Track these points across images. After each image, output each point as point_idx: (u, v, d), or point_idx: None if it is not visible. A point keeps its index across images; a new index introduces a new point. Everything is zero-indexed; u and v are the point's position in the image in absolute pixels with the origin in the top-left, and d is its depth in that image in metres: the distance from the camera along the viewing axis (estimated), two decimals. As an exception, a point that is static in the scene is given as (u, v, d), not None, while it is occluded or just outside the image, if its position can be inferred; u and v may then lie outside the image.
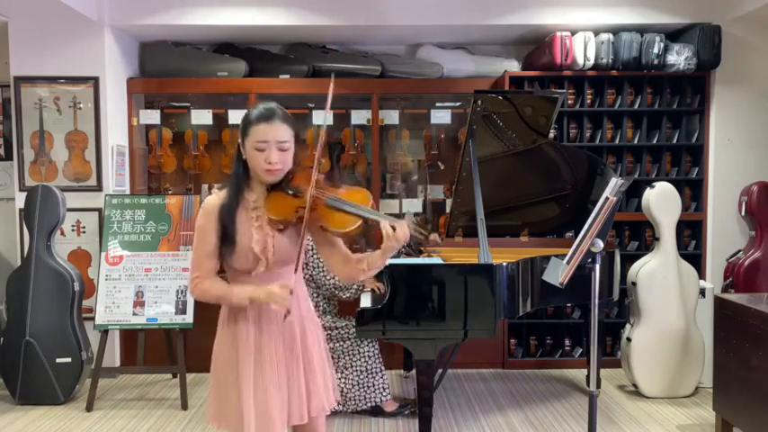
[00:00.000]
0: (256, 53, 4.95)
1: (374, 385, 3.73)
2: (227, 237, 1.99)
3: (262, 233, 2.02)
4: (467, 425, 3.68)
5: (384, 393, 3.75)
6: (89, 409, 3.94)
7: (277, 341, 2.07)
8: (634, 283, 4.08)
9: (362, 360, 3.73)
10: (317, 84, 4.80)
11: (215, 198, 2.03)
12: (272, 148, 1.97)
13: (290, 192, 2.04)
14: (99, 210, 4.48)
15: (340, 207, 2.01)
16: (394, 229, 1.95)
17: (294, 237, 2.07)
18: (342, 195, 2.05)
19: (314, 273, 3.70)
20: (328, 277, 3.69)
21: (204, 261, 2.02)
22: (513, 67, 4.91)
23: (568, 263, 2.42)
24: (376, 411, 3.78)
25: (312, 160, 5.10)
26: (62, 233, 4.46)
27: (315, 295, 3.76)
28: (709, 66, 4.55)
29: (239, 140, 2.03)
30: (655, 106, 4.71)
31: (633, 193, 4.72)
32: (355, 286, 3.73)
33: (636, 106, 4.71)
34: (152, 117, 4.91)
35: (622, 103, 4.69)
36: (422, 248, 4.02)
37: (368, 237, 4.85)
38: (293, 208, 2.02)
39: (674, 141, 4.73)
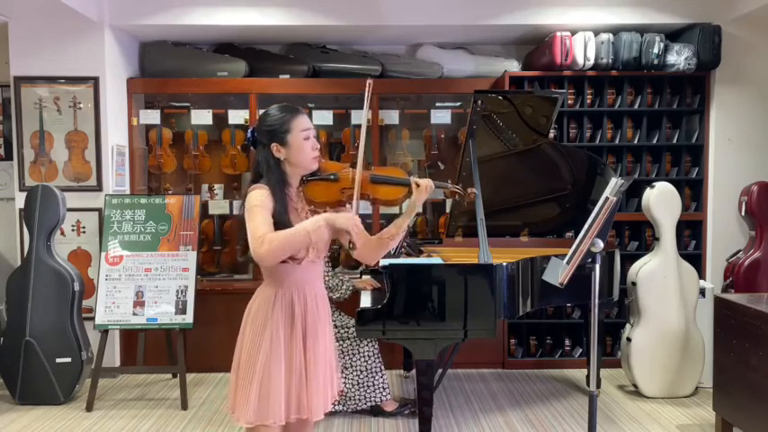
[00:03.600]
0: (256, 53, 4.95)
1: (374, 385, 3.73)
2: (284, 228, 2.04)
3: None
4: (467, 425, 3.68)
5: (384, 393, 3.75)
6: (89, 409, 3.94)
7: (320, 332, 2.18)
8: (634, 283, 4.08)
9: (362, 360, 3.73)
10: (317, 84, 4.80)
11: (264, 189, 2.07)
12: (312, 133, 2.15)
13: (330, 177, 2.20)
14: (99, 210, 4.48)
15: (384, 180, 2.24)
16: (420, 183, 2.20)
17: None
18: (380, 171, 2.26)
19: None
20: None
21: (268, 224, 1.99)
22: (513, 67, 4.91)
23: (568, 263, 2.42)
24: (376, 411, 3.78)
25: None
26: (62, 233, 4.46)
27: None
28: (710, 66, 4.55)
29: (273, 143, 2.10)
30: (655, 106, 4.71)
31: (633, 193, 4.72)
32: (344, 287, 3.72)
33: (636, 106, 4.71)
34: (152, 117, 4.91)
35: (622, 103, 4.69)
36: (422, 249, 4.02)
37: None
38: (338, 190, 2.19)
39: (674, 141, 4.73)
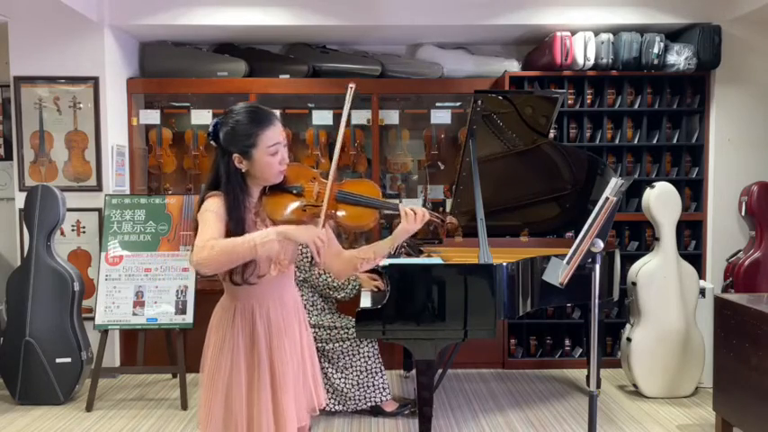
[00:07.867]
0: (256, 53, 4.95)
1: (374, 385, 3.73)
2: None
3: None
4: (467, 425, 3.68)
5: (384, 393, 3.75)
6: (89, 409, 3.94)
7: (287, 344, 2.05)
8: (634, 283, 4.08)
9: (362, 360, 3.72)
10: (317, 84, 4.80)
11: (218, 200, 1.93)
12: (281, 147, 1.95)
13: (293, 191, 1.97)
14: (99, 210, 4.48)
15: (353, 200, 1.98)
16: (414, 212, 1.99)
17: None
18: (350, 188, 2.01)
19: (306, 275, 3.70)
20: (321, 278, 3.70)
21: (218, 231, 1.84)
22: (513, 67, 4.91)
23: (568, 263, 2.42)
24: (376, 411, 3.78)
25: (310, 160, 5.12)
26: (62, 233, 4.46)
27: (311, 295, 3.76)
28: (710, 66, 4.55)
29: (236, 153, 1.91)
30: (655, 106, 4.70)
31: (633, 193, 4.72)
32: (350, 287, 3.72)
33: (636, 106, 4.71)
34: (152, 117, 4.91)
35: (622, 103, 4.69)
36: (422, 248, 4.02)
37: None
38: (299, 207, 1.96)
39: (674, 141, 4.73)
